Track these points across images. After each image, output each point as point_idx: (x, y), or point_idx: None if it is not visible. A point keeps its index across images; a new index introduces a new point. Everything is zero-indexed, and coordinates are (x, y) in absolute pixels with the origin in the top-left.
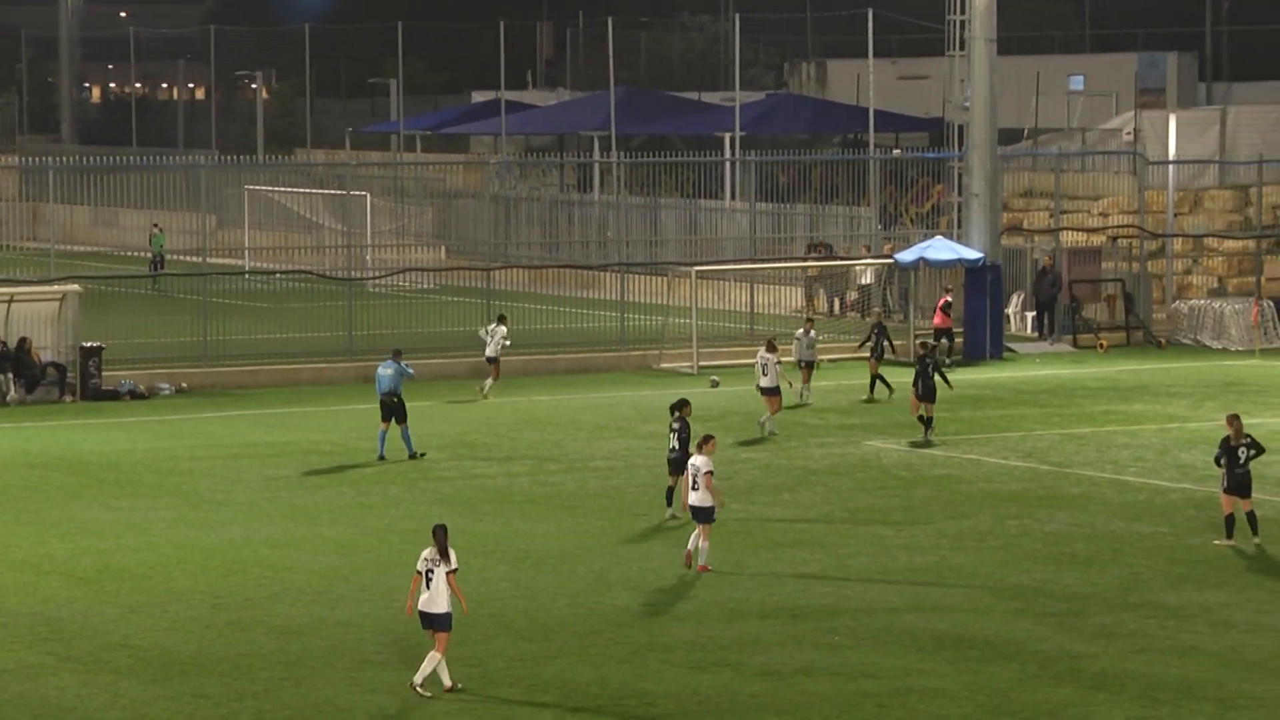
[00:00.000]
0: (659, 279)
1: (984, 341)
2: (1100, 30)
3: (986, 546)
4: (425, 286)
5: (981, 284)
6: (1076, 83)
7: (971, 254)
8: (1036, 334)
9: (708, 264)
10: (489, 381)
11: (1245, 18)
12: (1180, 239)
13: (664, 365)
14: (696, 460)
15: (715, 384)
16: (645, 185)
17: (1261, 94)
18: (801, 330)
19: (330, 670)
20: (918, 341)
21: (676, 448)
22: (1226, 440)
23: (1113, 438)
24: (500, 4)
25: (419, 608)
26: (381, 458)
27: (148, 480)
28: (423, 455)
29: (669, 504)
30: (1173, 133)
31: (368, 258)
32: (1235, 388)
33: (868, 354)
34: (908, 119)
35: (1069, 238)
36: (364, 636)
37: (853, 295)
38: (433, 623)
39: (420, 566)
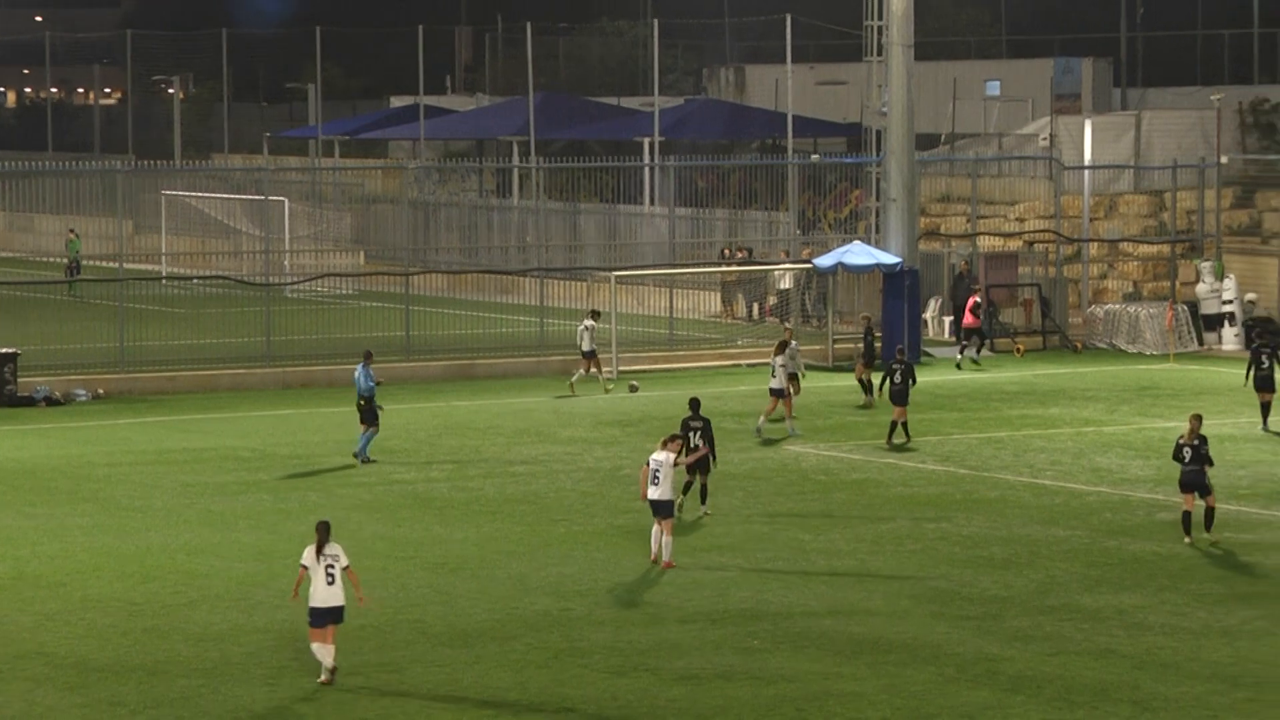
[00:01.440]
0: (578, 284)
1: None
2: (1016, 36)
3: (904, 550)
4: (344, 292)
5: (899, 289)
6: (993, 88)
7: (889, 259)
8: (953, 338)
9: (627, 269)
10: (587, 373)
11: (1159, 23)
12: (1096, 244)
13: (583, 371)
14: (659, 456)
15: (634, 388)
16: (564, 190)
17: (1175, 99)
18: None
19: (248, 677)
20: (897, 347)
21: (699, 445)
22: (1179, 439)
23: (1029, 441)
24: (418, 9)
25: (316, 604)
26: (360, 459)
27: (64, 487)
28: (370, 462)
29: (684, 493)
30: (1088, 138)
31: (286, 263)
32: (1150, 392)
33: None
34: (826, 124)
35: (986, 242)
36: (281, 643)
37: (771, 300)
38: (331, 616)
39: (307, 562)
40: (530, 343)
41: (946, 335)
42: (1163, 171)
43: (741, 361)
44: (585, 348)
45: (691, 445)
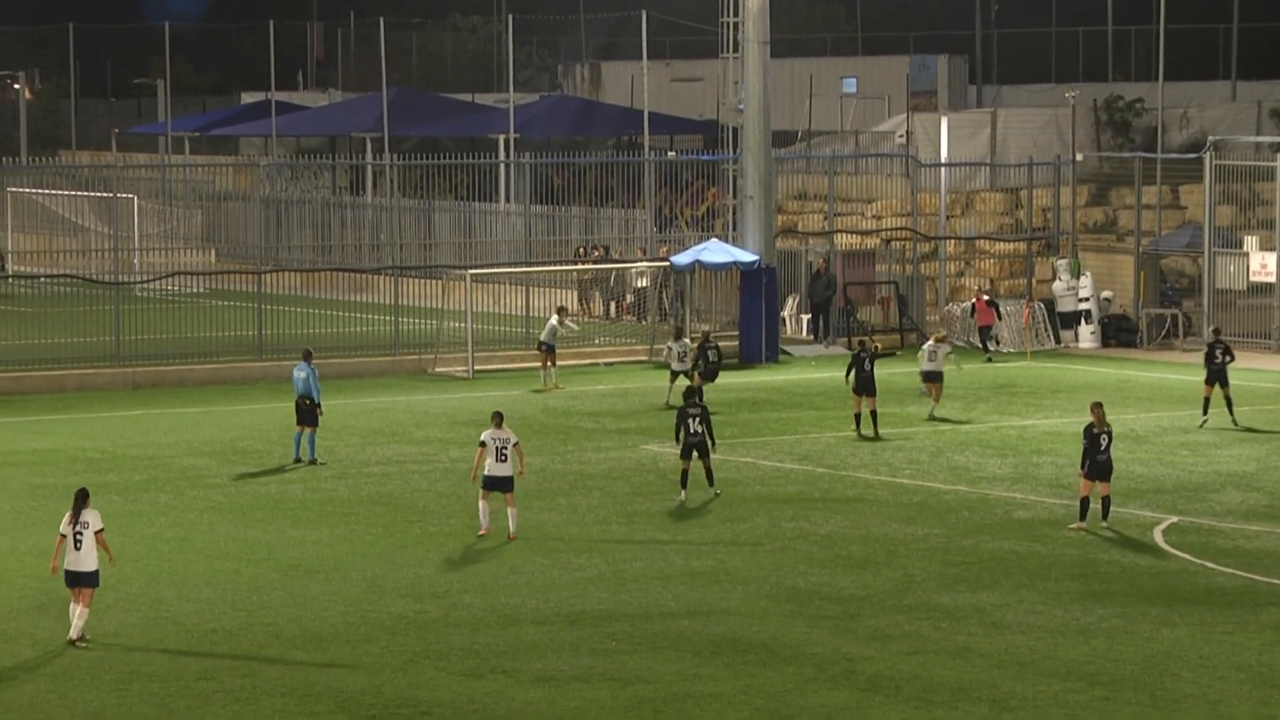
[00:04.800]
0: (433, 282)
1: (759, 344)
2: (871, 33)
3: (762, 550)
4: (194, 290)
5: (756, 287)
6: (849, 85)
7: (746, 256)
8: (811, 337)
9: (482, 267)
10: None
11: (1014, 21)
12: (952, 241)
13: (439, 370)
14: (502, 433)
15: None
16: (419, 188)
17: (1030, 96)
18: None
19: (97, 682)
20: (855, 337)
21: (699, 431)
22: (1089, 427)
23: (887, 440)
24: (269, 4)
25: (66, 567)
26: (297, 460)
27: None
28: (321, 463)
29: (684, 486)
30: (944, 135)
31: (135, 261)
32: (1007, 389)
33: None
34: (682, 121)
35: (843, 240)
36: (131, 647)
37: (629, 299)
38: (80, 580)
39: (64, 530)
40: (384, 342)
41: (804, 333)
42: (1018, 169)
43: (599, 361)
44: (544, 338)
45: (691, 431)
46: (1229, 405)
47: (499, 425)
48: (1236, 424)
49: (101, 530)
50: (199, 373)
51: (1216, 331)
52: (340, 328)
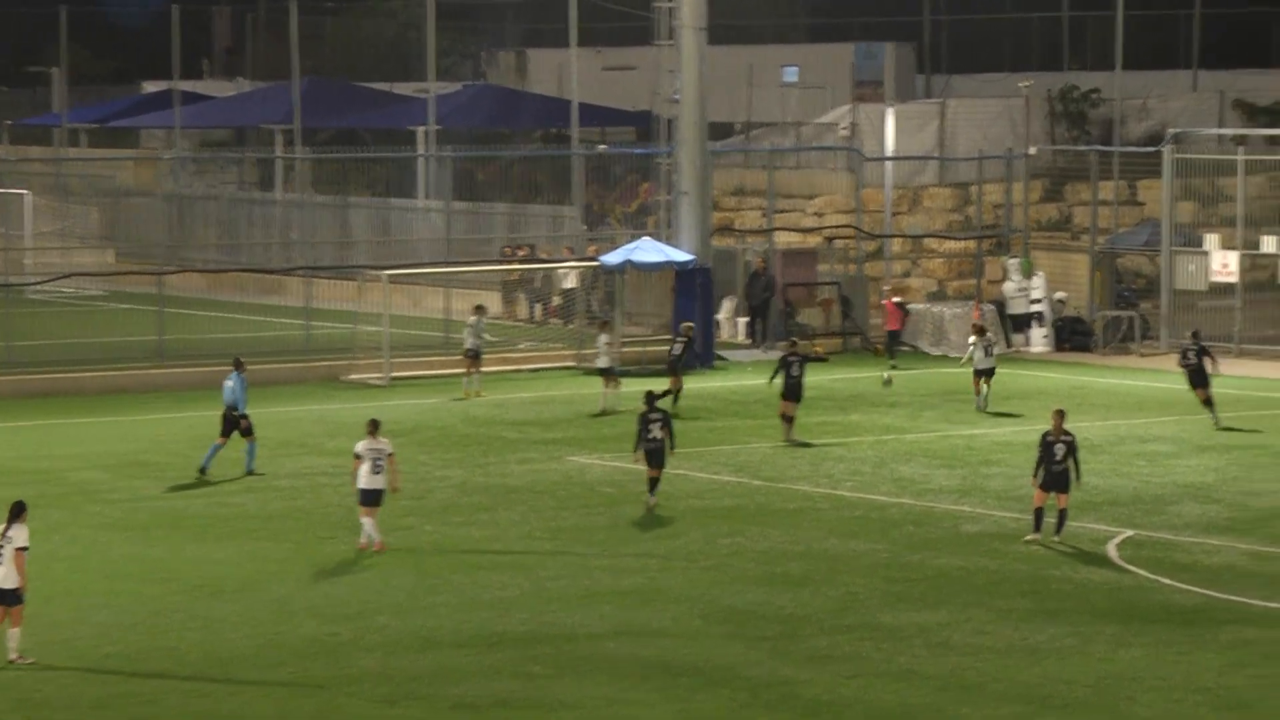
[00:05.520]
0: (348, 284)
1: (693, 349)
2: (815, 20)
3: (696, 567)
4: (92, 293)
5: (691, 288)
6: (790, 74)
7: (680, 256)
8: (749, 340)
9: (400, 267)
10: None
11: (965, 7)
12: (899, 240)
13: (353, 377)
14: (376, 444)
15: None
16: (332, 183)
17: (981, 86)
18: (603, 336)
19: None
20: (786, 340)
21: (659, 437)
22: (1046, 434)
23: (828, 450)
24: None
25: None
26: (202, 470)
27: None
28: (259, 474)
29: (652, 492)
30: (890, 127)
31: (27, 261)
32: (955, 397)
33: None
34: (613, 112)
35: (783, 238)
36: (21, 672)
37: (556, 300)
38: (3, 599)
39: None
40: (295, 347)
41: (741, 337)
42: (968, 163)
43: (524, 366)
44: (468, 345)
45: (650, 438)
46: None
47: (374, 434)
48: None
49: (24, 549)
50: (96, 381)
51: (1195, 335)
52: (248, 332)
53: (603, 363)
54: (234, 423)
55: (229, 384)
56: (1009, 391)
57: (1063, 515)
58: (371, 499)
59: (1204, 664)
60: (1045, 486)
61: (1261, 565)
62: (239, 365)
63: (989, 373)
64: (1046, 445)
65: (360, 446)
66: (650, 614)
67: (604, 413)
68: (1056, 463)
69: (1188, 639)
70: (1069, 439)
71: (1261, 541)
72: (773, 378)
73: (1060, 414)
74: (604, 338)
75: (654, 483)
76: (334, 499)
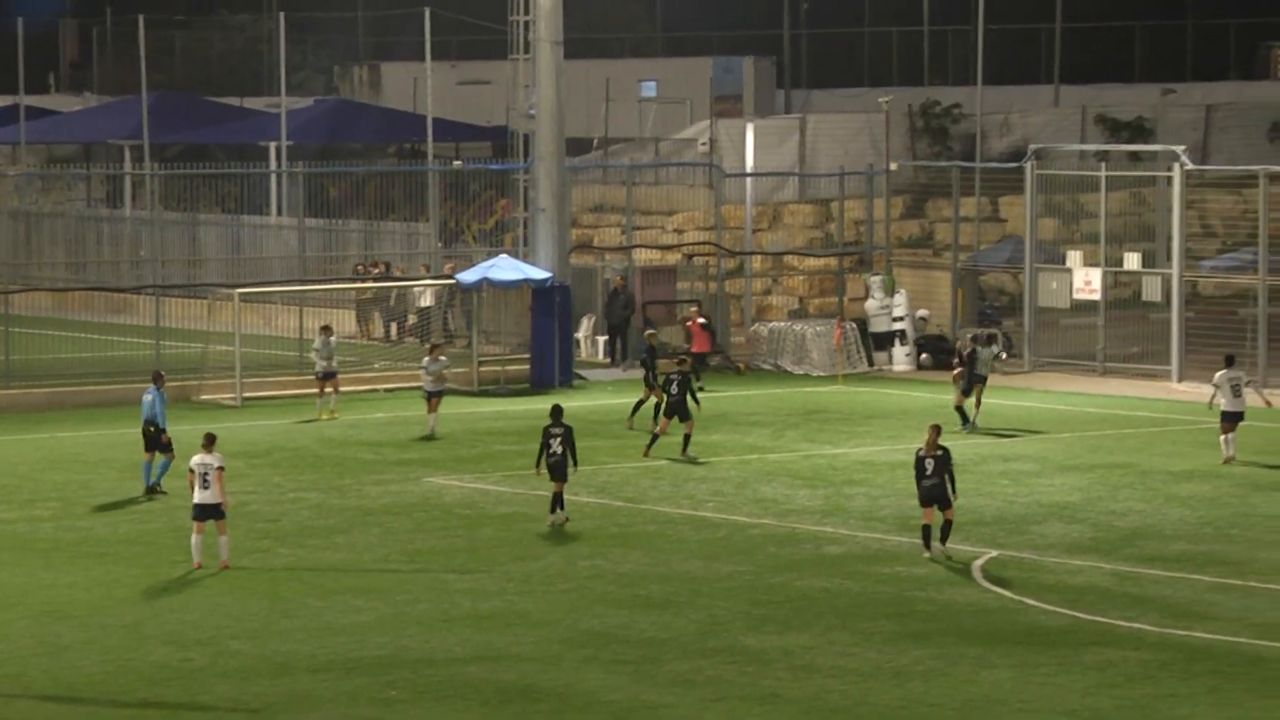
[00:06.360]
0: (198, 302)
1: (552, 368)
2: (673, 33)
3: (556, 590)
4: None
5: (549, 306)
6: (649, 89)
7: (538, 273)
8: (608, 359)
9: (252, 286)
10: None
11: (825, 21)
12: (759, 257)
13: (204, 397)
14: (208, 458)
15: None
16: (182, 199)
17: (842, 101)
18: (428, 358)
19: None
20: (675, 358)
21: (559, 452)
22: (918, 451)
23: (689, 471)
24: None
25: None
26: (148, 489)
27: None
28: (161, 493)
29: (553, 511)
30: (750, 143)
31: None
32: (818, 415)
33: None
34: (469, 127)
35: (642, 256)
36: None
37: (411, 319)
38: (211, 513)
39: None
40: (145, 367)
41: (600, 356)
42: (829, 179)
43: (379, 386)
44: (317, 367)
45: (551, 452)
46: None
47: (208, 449)
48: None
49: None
50: None
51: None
52: (97, 351)
53: (429, 385)
54: (155, 438)
55: (148, 399)
56: (871, 410)
57: (946, 527)
58: (204, 514)
59: (1069, 685)
60: (923, 502)
61: (1125, 586)
62: (158, 380)
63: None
64: (918, 461)
65: (193, 461)
66: (510, 638)
67: (430, 437)
68: (927, 478)
69: (1052, 660)
70: (940, 454)
71: (1126, 562)
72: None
73: (935, 429)
74: (433, 360)
75: (557, 498)
76: (186, 522)
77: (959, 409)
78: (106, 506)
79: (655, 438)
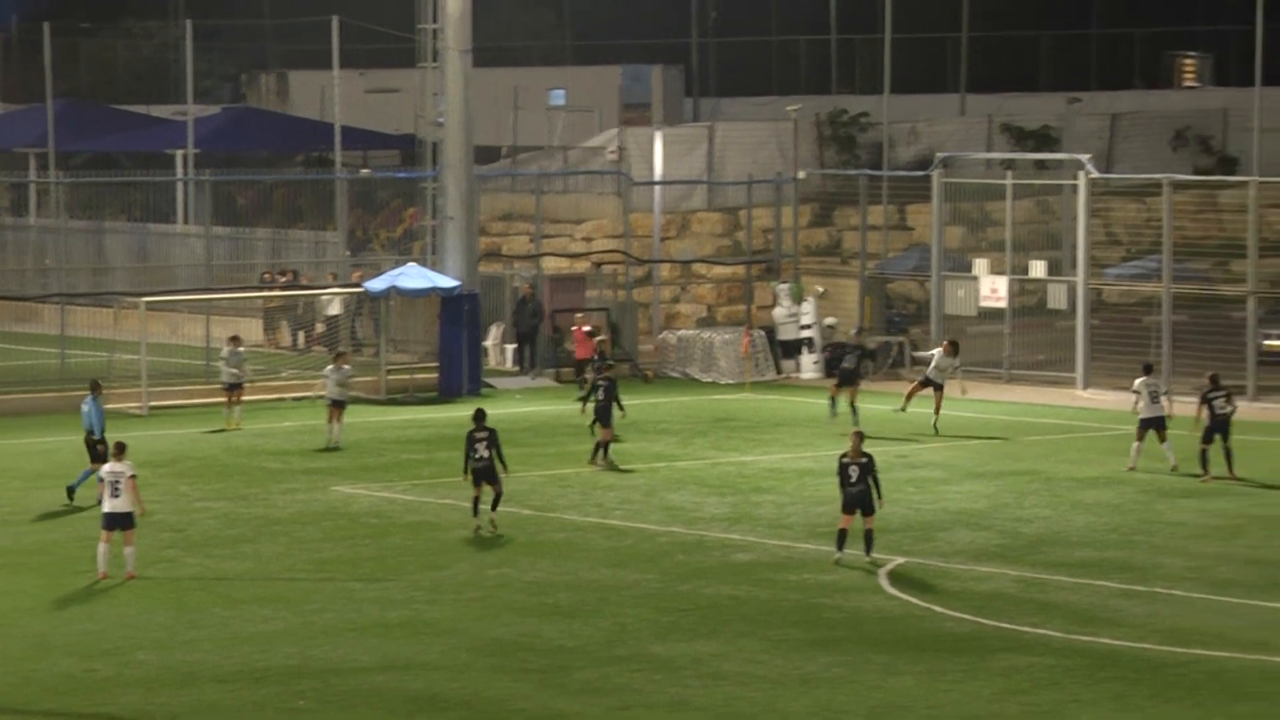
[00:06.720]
0: (105, 311)
1: (460, 376)
2: (582, 41)
3: (464, 598)
4: None
5: (458, 314)
6: (557, 97)
7: (447, 282)
8: (517, 368)
9: (159, 294)
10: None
11: (733, 30)
12: (668, 265)
13: (110, 406)
14: (119, 467)
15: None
16: (89, 207)
17: (751, 110)
18: (331, 366)
19: None
20: (598, 365)
21: (486, 456)
22: (842, 458)
23: (598, 479)
24: None
25: None
26: (69, 490)
27: None
28: (74, 504)
29: (476, 514)
30: (658, 151)
31: None
32: (726, 424)
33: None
34: (377, 135)
35: (551, 264)
36: None
37: (319, 328)
38: (121, 523)
39: None
40: (50, 376)
41: (509, 364)
42: (738, 188)
43: (287, 395)
44: (224, 377)
45: (477, 457)
46: (1229, 459)
47: (119, 457)
48: (1236, 477)
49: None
50: None
51: (1214, 379)
52: (1, 361)
53: (333, 394)
54: (91, 448)
55: (85, 408)
56: (779, 418)
57: (868, 535)
58: (113, 523)
59: (975, 692)
60: (847, 509)
61: (1031, 592)
62: (95, 389)
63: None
64: (842, 468)
65: (104, 470)
66: (417, 647)
67: (333, 448)
68: (851, 484)
69: (959, 667)
70: (864, 460)
71: (1031, 568)
72: (585, 401)
73: (858, 435)
74: (336, 369)
75: (477, 502)
76: (90, 532)
77: (833, 399)
78: (10, 517)
79: (600, 446)
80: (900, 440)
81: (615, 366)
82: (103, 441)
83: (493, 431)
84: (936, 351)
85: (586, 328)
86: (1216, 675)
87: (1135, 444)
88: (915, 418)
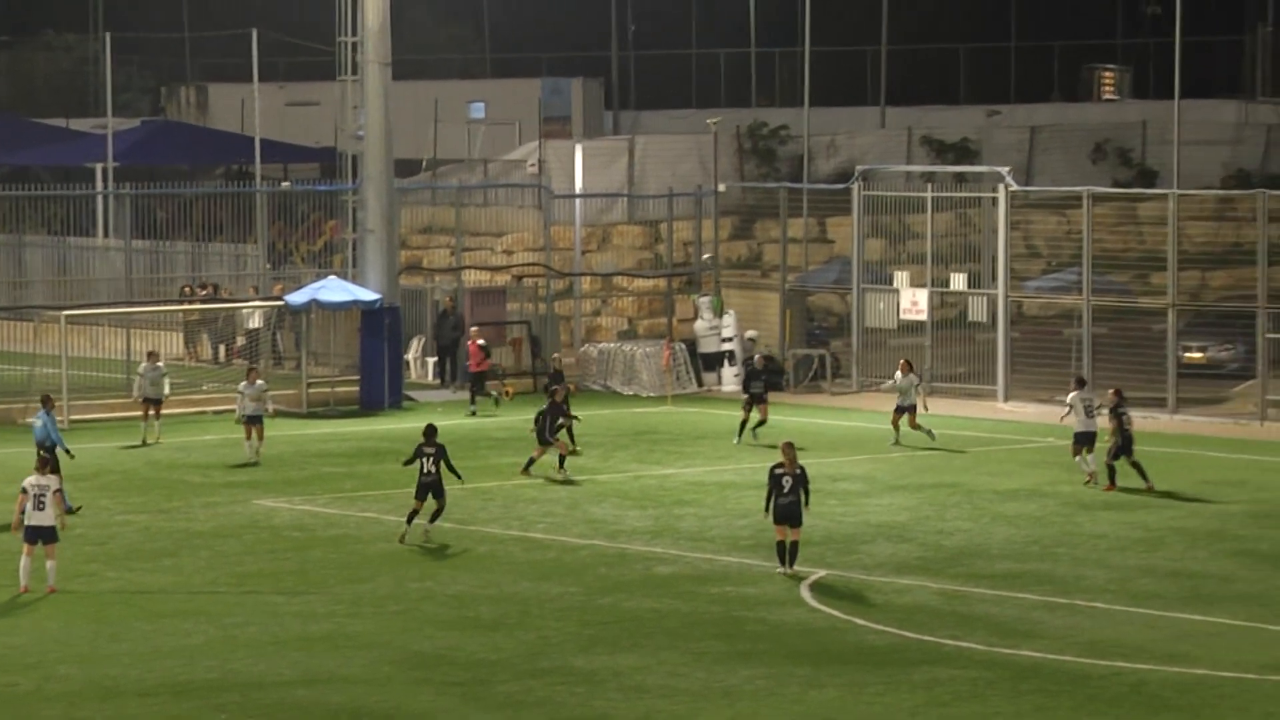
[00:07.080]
0: (24, 324)
1: (381, 389)
2: (501, 54)
3: (386, 612)
4: None
5: (379, 327)
6: (477, 110)
7: (367, 295)
8: (438, 381)
9: (78, 307)
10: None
11: (653, 42)
12: (588, 278)
13: (29, 420)
14: (44, 480)
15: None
16: (7, 221)
17: (671, 123)
18: (245, 383)
19: None
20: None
21: (433, 471)
22: (774, 467)
23: (520, 492)
24: None
25: None
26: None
27: None
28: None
29: (409, 523)
30: (579, 164)
31: None
32: (647, 436)
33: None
34: (297, 149)
35: (471, 277)
36: None
37: (240, 341)
38: (43, 536)
39: None
40: None
41: (430, 377)
42: (658, 200)
43: (207, 409)
44: (145, 393)
45: (425, 472)
46: (1141, 471)
47: (43, 470)
48: (1152, 488)
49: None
50: None
51: (1118, 393)
52: None
53: (249, 410)
54: (46, 462)
55: (37, 422)
56: (700, 431)
57: (794, 547)
58: (35, 536)
59: (897, 704)
60: (777, 520)
61: (953, 604)
62: (46, 402)
63: (912, 409)
64: (775, 478)
65: (27, 482)
66: (339, 660)
67: (252, 463)
68: (784, 495)
69: (881, 679)
70: (799, 472)
71: (953, 581)
72: (538, 421)
73: (790, 446)
74: (250, 384)
75: (415, 514)
76: (13, 546)
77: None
78: None
79: (562, 458)
80: (823, 452)
81: (559, 391)
82: (68, 451)
83: (441, 447)
84: (896, 376)
85: (480, 341)
86: (1137, 688)
87: (1077, 459)
88: (829, 430)
